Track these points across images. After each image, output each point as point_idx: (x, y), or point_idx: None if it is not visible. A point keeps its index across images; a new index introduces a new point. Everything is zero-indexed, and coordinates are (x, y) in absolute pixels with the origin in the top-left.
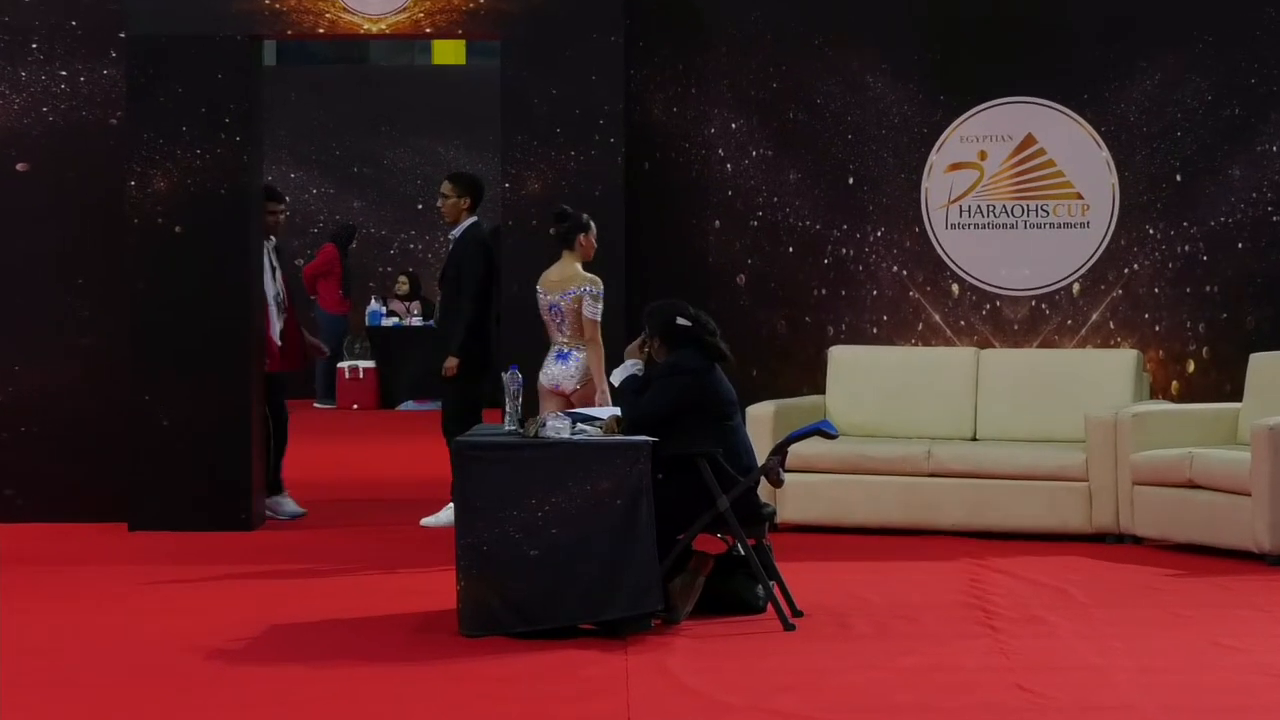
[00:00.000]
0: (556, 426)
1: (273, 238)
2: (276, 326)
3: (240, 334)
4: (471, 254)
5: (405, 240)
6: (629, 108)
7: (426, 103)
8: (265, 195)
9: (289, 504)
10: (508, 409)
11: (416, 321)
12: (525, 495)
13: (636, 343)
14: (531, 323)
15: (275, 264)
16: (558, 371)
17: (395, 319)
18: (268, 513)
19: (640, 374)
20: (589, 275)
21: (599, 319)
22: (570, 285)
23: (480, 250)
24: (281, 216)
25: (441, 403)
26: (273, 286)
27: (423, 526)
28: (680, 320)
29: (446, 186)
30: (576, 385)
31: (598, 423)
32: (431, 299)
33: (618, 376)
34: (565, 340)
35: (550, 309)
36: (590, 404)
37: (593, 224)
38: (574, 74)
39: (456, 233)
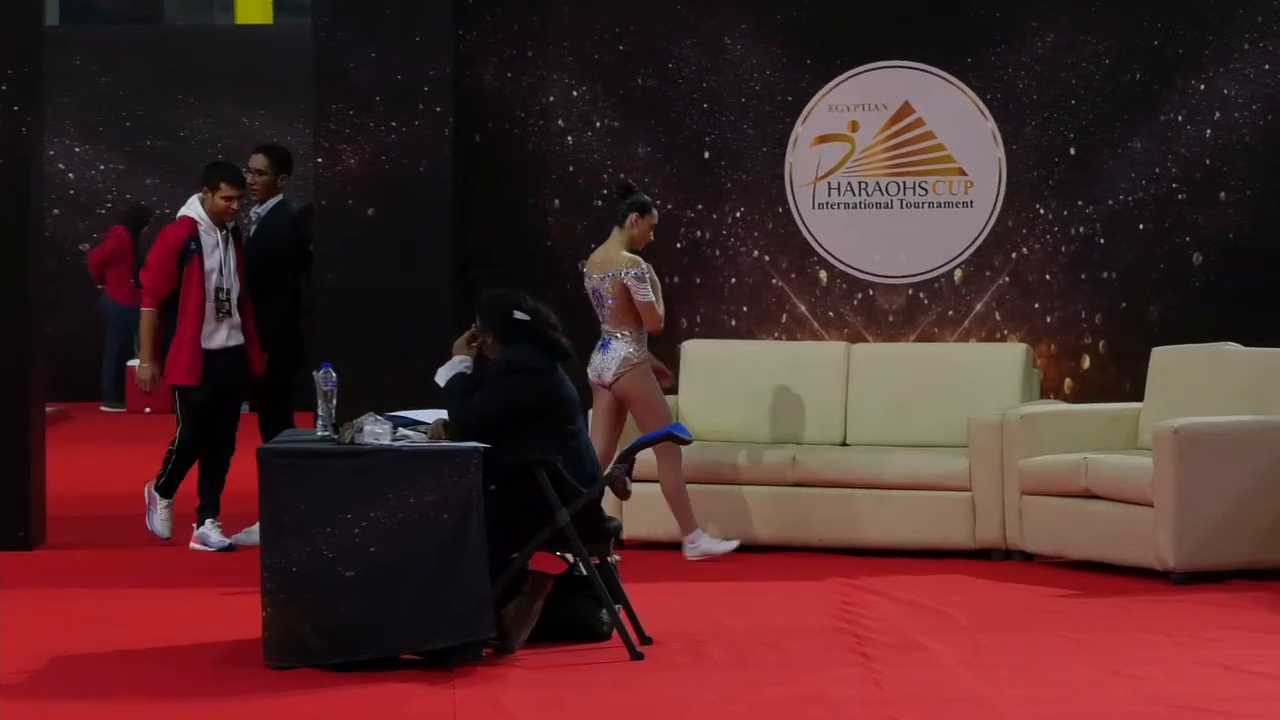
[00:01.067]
0: (375, 432)
1: (226, 225)
2: (222, 332)
3: (16, 331)
4: (280, 236)
5: None
6: (458, 73)
7: (229, 67)
8: (219, 175)
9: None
10: (320, 412)
11: None
12: (340, 510)
13: (464, 337)
14: (345, 315)
15: (224, 258)
16: (598, 362)
17: None
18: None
19: (469, 372)
20: (630, 256)
21: (652, 299)
22: (610, 267)
23: (290, 231)
24: (236, 204)
25: (249, 406)
26: (216, 282)
27: (233, 544)
28: (518, 313)
29: (259, 160)
30: (613, 377)
31: (422, 427)
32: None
33: (443, 375)
34: (606, 327)
35: (592, 293)
36: (639, 397)
37: (654, 210)
38: (396, 35)
39: (262, 211)
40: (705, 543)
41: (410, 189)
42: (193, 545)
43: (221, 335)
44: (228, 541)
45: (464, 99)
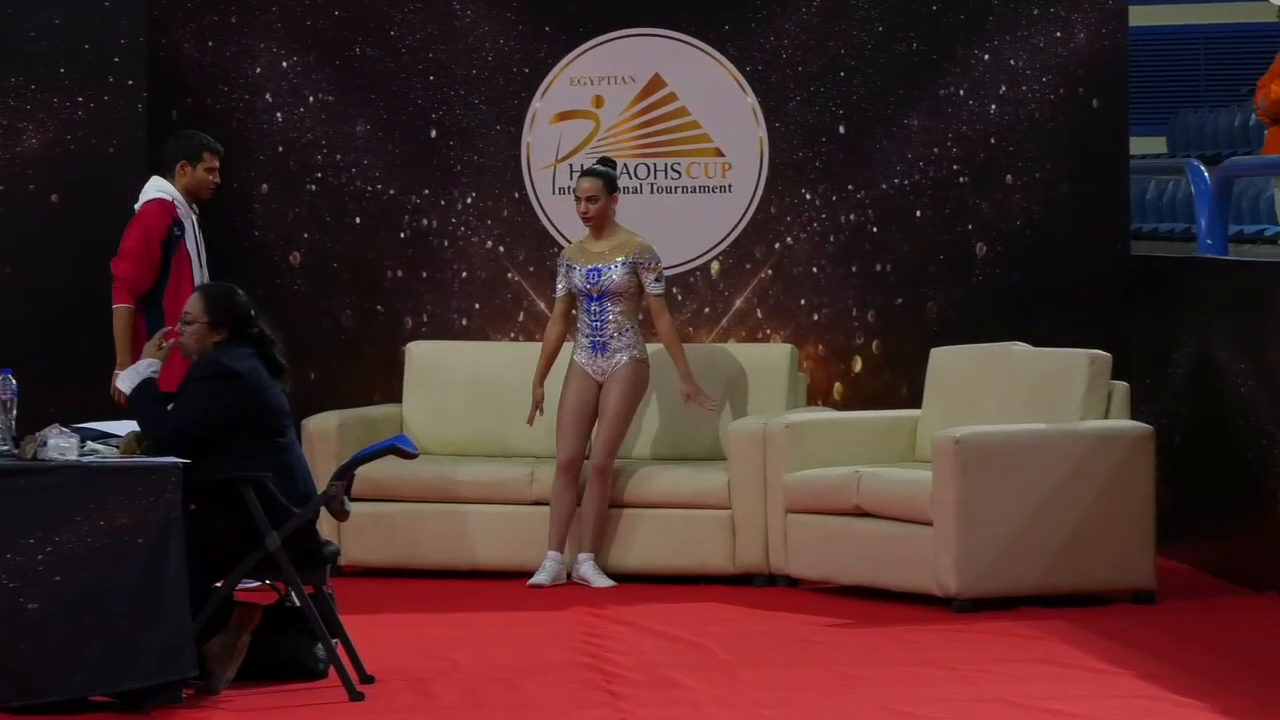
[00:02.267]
0: (60, 446)
1: (196, 207)
2: None
3: None
4: None
5: None
6: (152, 41)
7: None
8: (202, 145)
9: None
10: None
11: None
12: (21, 534)
13: (155, 340)
14: (27, 315)
15: (200, 246)
16: None
17: None
18: None
19: (157, 376)
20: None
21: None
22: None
23: None
24: (217, 176)
25: None
26: (201, 276)
27: None
28: (254, 312)
29: None
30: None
31: (113, 441)
32: None
33: (126, 382)
34: None
35: None
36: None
37: (585, 181)
38: None
39: None
40: (587, 568)
41: (100, 172)
42: None
43: None
44: None
45: (159, 71)
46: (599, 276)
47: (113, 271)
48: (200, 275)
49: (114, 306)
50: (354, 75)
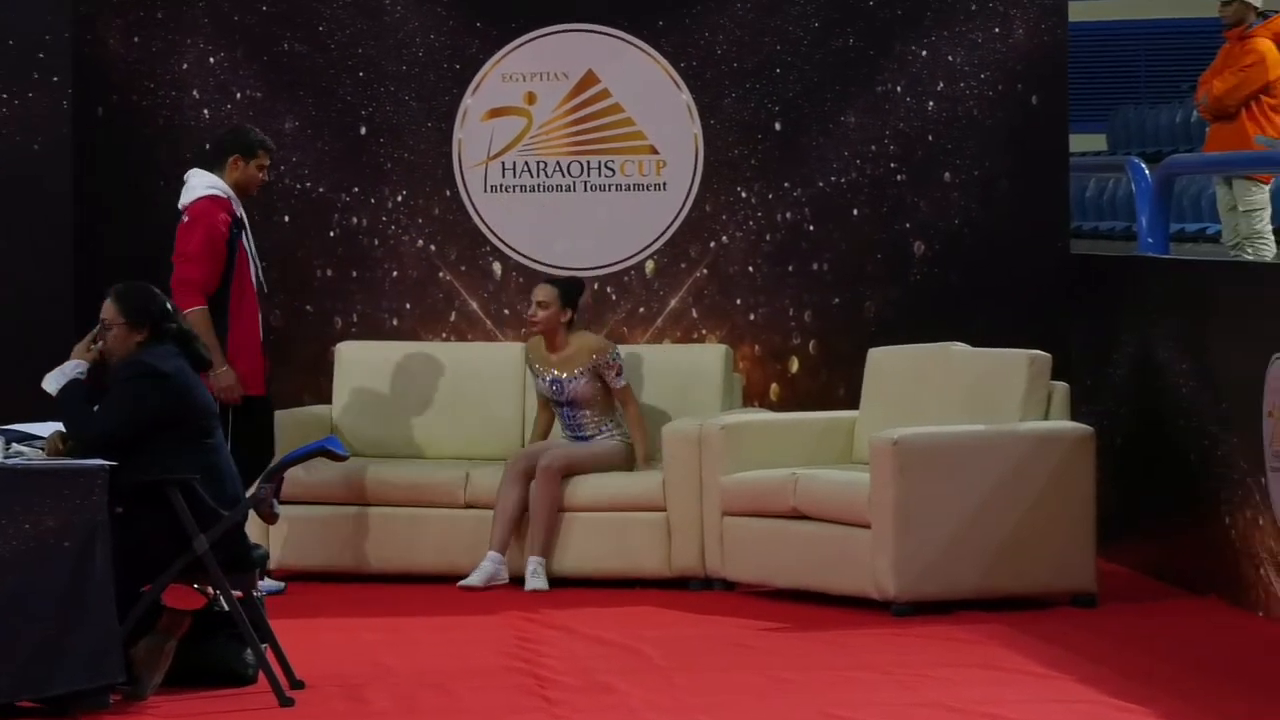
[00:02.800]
0: None
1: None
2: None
3: None
4: None
5: None
6: (77, 37)
7: None
8: (259, 142)
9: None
10: None
11: None
12: None
13: (86, 340)
14: None
15: (252, 241)
16: None
17: None
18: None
19: (84, 378)
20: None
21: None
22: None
23: None
24: (266, 173)
25: None
26: (257, 271)
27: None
28: (170, 308)
29: None
30: None
31: (38, 443)
32: None
33: (53, 382)
34: None
35: None
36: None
37: (540, 285)
38: None
39: None
40: (530, 567)
41: (23, 170)
42: None
43: (261, 333)
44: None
45: (85, 67)
46: (562, 389)
47: (179, 276)
48: (256, 270)
49: (187, 311)
50: (282, 71)
